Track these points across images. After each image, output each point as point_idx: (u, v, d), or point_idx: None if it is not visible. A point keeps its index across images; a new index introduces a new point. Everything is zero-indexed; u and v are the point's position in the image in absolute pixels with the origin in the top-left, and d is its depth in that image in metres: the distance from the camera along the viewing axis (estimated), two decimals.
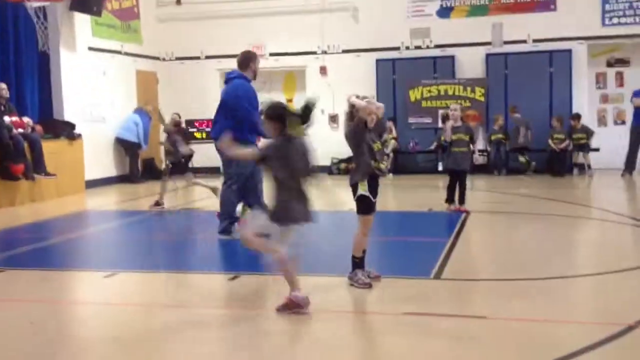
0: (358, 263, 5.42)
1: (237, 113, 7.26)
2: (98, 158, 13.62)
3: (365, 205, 5.37)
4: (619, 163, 13.60)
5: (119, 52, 14.77)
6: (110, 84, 14.37)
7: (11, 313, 5.07)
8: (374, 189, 5.36)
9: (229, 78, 7.56)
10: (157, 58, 16.35)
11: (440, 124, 14.57)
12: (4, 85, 11.22)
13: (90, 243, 8.20)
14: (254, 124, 7.19)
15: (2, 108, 11.09)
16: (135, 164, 14.53)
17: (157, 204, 10.06)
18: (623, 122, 14.65)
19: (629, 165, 13.42)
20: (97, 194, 12.37)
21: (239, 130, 6.99)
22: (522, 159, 14.26)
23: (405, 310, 4.77)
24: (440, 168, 14.44)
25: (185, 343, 4.26)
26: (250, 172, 7.29)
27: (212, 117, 17.40)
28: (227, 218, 7.51)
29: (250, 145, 6.97)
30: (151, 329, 4.66)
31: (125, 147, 14.41)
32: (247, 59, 7.45)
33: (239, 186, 7.43)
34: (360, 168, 5.36)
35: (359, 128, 5.31)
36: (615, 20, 14.47)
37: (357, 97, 5.41)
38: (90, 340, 4.49)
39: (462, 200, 9.04)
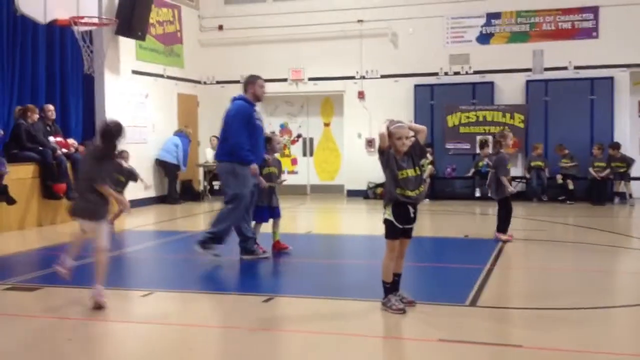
0: (389, 288, 5.39)
1: (226, 134, 7.45)
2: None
3: (389, 230, 5.35)
4: None
5: (161, 76, 15.08)
6: (152, 106, 14.66)
7: (49, 329, 5.16)
8: (403, 215, 5.31)
9: (232, 99, 7.70)
10: (199, 82, 16.65)
11: (477, 150, 14.57)
12: (51, 107, 11.56)
13: (128, 262, 8.32)
14: (238, 145, 7.31)
15: (49, 129, 11.41)
16: (174, 185, 14.76)
17: None
18: None
19: None
20: (136, 214, 12.56)
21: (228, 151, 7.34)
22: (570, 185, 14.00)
23: (440, 337, 4.72)
24: (477, 194, 14.32)
25: None
26: (251, 192, 7.49)
27: None
28: (243, 240, 7.65)
29: (242, 166, 7.32)
30: (185, 348, 4.69)
31: (165, 169, 14.66)
32: (246, 83, 7.64)
33: (245, 205, 7.49)
34: (385, 194, 5.41)
35: (381, 155, 5.33)
36: None
37: (392, 121, 5.40)
38: (125, 358, 4.54)
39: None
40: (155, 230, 11.20)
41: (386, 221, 5.36)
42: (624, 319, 5.41)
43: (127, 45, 13.77)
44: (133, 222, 11.81)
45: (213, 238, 7.49)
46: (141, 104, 14.33)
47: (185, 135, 14.96)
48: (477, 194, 14.40)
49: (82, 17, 11.73)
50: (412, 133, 5.34)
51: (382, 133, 5.27)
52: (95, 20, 12.20)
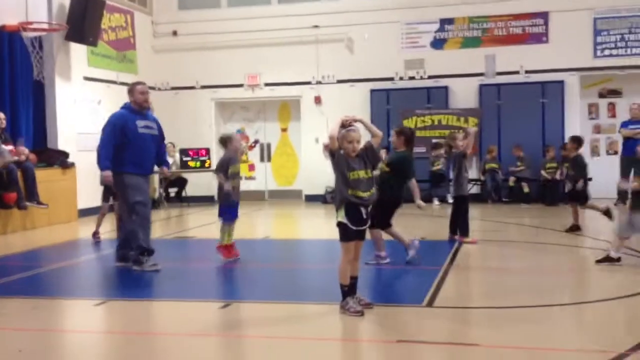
0: (347, 291, 5.39)
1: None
2: (91, 187, 13.56)
3: (343, 233, 5.35)
4: (612, 193, 13.63)
5: (114, 82, 14.83)
6: (105, 113, 14.30)
7: (0, 341, 5.01)
8: (356, 216, 5.31)
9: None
10: (153, 88, 16.38)
11: (434, 153, 14.70)
12: (1, 115, 11.22)
13: (81, 271, 8.14)
14: (98, 152, 7.40)
15: (1, 138, 11.09)
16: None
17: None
18: (615, 153, 14.72)
19: (622, 195, 13.45)
20: (89, 223, 12.29)
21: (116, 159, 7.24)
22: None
23: (398, 338, 4.73)
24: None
25: None
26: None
27: (207, 146, 17.49)
28: (137, 249, 7.41)
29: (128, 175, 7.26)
30: (139, 358, 4.60)
31: None
32: (128, 91, 7.59)
33: (139, 214, 7.31)
34: (337, 196, 5.38)
35: (332, 157, 5.33)
36: (607, 52, 14.65)
37: (347, 120, 5.37)
38: None
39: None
40: (109, 239, 10.99)
41: (340, 224, 5.35)
42: (579, 316, 5.51)
43: (78, 51, 13.51)
44: (88, 230, 11.57)
45: (142, 252, 7.36)
46: (94, 110, 14.07)
47: None
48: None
49: (31, 23, 11.49)
50: (360, 138, 5.34)
51: (332, 135, 5.28)
52: (45, 26, 11.97)
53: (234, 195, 7.87)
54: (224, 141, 8.01)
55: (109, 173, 7.28)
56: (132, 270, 7.41)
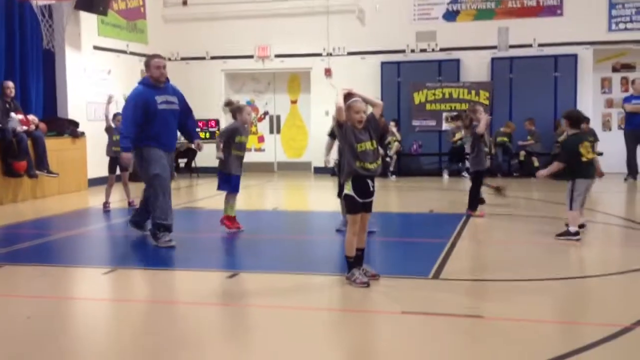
0: (352, 263, 5.41)
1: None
2: (101, 156, 13.60)
3: (350, 205, 5.35)
4: (623, 167, 13.55)
5: (124, 52, 14.81)
6: (115, 83, 14.40)
7: (9, 307, 5.07)
8: (363, 189, 5.31)
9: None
10: (163, 58, 16.35)
11: (444, 127, 14.67)
12: (11, 84, 11.25)
13: (90, 240, 8.21)
14: (122, 131, 7.17)
15: (8, 106, 11.14)
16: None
17: None
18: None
19: (631, 170, 13.39)
20: (99, 192, 12.36)
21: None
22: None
23: (403, 309, 4.76)
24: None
25: (178, 338, 4.25)
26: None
27: (216, 117, 17.49)
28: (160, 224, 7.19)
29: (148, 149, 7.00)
30: (147, 326, 4.66)
31: None
32: (144, 65, 7.30)
33: (158, 187, 7.11)
34: (344, 168, 5.36)
35: (338, 128, 5.30)
36: (621, 26, 14.44)
37: (348, 93, 5.35)
38: (85, 336, 4.49)
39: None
40: (119, 208, 11.07)
41: (346, 196, 5.36)
42: (584, 289, 5.51)
43: (88, 20, 13.47)
44: (97, 199, 11.65)
45: (159, 226, 7.17)
46: (103, 80, 14.06)
47: None
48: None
49: None
50: (366, 109, 5.33)
51: (339, 106, 5.25)
52: None
53: (234, 168, 7.76)
54: (234, 111, 7.96)
55: (129, 155, 7.11)
56: (145, 240, 7.44)
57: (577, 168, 7.30)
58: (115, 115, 10.13)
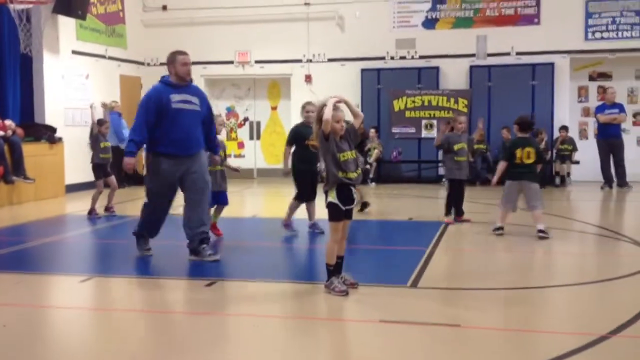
0: (332, 271, 5.42)
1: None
2: (79, 162, 13.51)
3: (334, 213, 5.37)
4: (599, 175, 13.72)
5: (103, 57, 14.71)
6: (93, 88, 14.29)
7: None
8: (347, 196, 5.35)
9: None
10: (142, 63, 16.31)
11: (423, 134, 14.78)
12: None
13: (67, 247, 8.13)
14: (131, 134, 6.52)
15: None
16: (115, 169, 14.34)
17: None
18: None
19: (607, 178, 13.58)
20: (76, 198, 12.28)
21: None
22: None
23: (381, 318, 4.77)
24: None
25: (155, 348, 4.22)
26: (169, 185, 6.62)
27: None
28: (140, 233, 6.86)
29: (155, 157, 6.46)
30: (124, 335, 4.62)
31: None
32: (167, 63, 6.70)
33: (156, 201, 6.69)
34: (328, 178, 5.38)
35: (326, 141, 5.31)
36: (598, 35, 14.64)
37: (338, 102, 5.38)
38: (61, 345, 4.45)
39: (462, 210, 9.16)
40: (104, 216, 10.97)
41: (330, 204, 5.37)
42: (561, 298, 5.56)
43: (66, 24, 13.37)
44: (75, 206, 11.54)
45: (137, 234, 6.93)
46: (82, 85, 13.96)
47: (115, 112, 14.24)
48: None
49: None
50: (344, 116, 5.35)
51: (327, 119, 5.25)
52: None
53: (215, 182, 7.58)
54: None
55: (131, 161, 6.50)
56: (123, 248, 7.37)
57: (510, 169, 8.00)
58: (101, 122, 10.09)
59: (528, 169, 7.95)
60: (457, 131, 9.09)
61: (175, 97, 6.44)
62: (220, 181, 7.83)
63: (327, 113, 5.24)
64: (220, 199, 7.91)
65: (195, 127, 6.58)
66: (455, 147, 9.01)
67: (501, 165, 8.11)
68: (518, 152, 7.93)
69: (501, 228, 8.10)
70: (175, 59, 6.58)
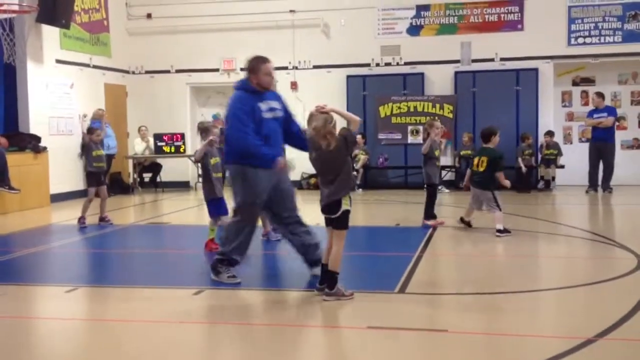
0: (337, 278, 5.41)
1: (227, 131, 6.07)
2: (64, 171, 13.44)
3: (347, 220, 5.42)
4: (584, 180, 13.83)
5: (87, 65, 14.65)
6: (78, 97, 14.22)
7: None
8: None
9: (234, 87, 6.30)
10: (127, 71, 16.26)
11: (410, 140, 14.82)
12: None
13: (53, 257, 8.06)
14: (243, 143, 5.85)
15: None
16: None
17: None
18: (588, 140, 14.91)
19: (592, 182, 13.70)
20: (62, 208, 12.20)
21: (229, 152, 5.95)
22: None
23: (368, 324, 4.77)
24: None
25: (142, 358, 4.19)
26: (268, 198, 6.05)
27: (181, 131, 17.29)
28: (226, 258, 6.08)
29: (253, 169, 5.85)
30: (111, 345, 4.59)
31: None
32: (247, 70, 6.17)
33: (243, 218, 6.04)
34: (346, 185, 5.39)
35: (341, 149, 5.40)
36: (580, 40, 14.77)
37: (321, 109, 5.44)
38: (47, 356, 4.40)
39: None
40: (93, 225, 10.90)
41: (345, 212, 5.37)
42: (548, 302, 5.59)
43: (50, 33, 13.30)
44: (60, 215, 11.46)
45: (222, 260, 6.09)
46: (66, 94, 13.88)
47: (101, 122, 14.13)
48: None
49: (1, 4, 11.26)
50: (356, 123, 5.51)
51: (358, 120, 5.56)
52: (16, 7, 11.74)
53: (218, 190, 7.52)
54: (200, 132, 7.88)
55: (281, 159, 5.99)
56: (109, 257, 7.31)
57: (471, 176, 8.83)
58: (91, 131, 10.03)
59: (480, 177, 8.61)
60: (435, 137, 9.21)
61: (263, 106, 6.01)
62: (221, 188, 7.74)
63: (351, 115, 5.46)
64: (223, 209, 7.66)
65: (281, 135, 6.22)
66: (437, 153, 9.29)
67: (467, 172, 9.05)
68: (475, 160, 8.76)
69: (469, 223, 8.93)
70: (258, 68, 6.09)
